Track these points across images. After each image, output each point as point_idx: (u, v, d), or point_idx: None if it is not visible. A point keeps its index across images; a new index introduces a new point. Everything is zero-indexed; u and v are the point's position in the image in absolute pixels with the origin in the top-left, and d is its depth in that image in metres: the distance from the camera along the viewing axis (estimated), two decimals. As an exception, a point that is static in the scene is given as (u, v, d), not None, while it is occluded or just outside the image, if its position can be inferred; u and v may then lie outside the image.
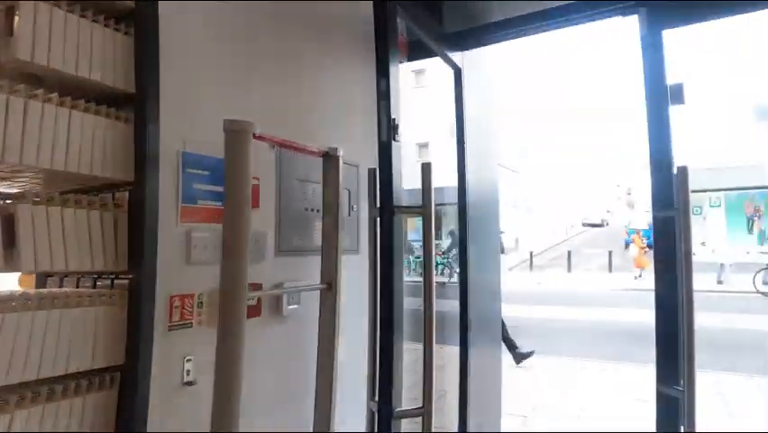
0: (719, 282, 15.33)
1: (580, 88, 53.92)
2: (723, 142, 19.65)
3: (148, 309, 1.33)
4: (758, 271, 14.60)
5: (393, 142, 2.08)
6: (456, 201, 2.99)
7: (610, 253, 21.31)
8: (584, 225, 43.06)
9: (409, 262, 17.09)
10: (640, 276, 16.85)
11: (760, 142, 19.21)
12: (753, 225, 19.85)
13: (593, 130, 54.67)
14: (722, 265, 15.45)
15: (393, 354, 1.96)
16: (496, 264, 3.46)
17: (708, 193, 20.69)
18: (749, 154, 19.11)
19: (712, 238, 20.48)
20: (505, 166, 30.78)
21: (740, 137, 19.64)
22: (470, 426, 2.74)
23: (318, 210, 1.92)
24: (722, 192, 20.23)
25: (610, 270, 20.29)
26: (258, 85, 1.79)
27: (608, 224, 44.64)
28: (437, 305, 1.88)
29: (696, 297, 1.83)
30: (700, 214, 22.07)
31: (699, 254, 20.69)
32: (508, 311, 4.90)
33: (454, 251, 16.26)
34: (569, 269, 21.60)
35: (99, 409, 1.27)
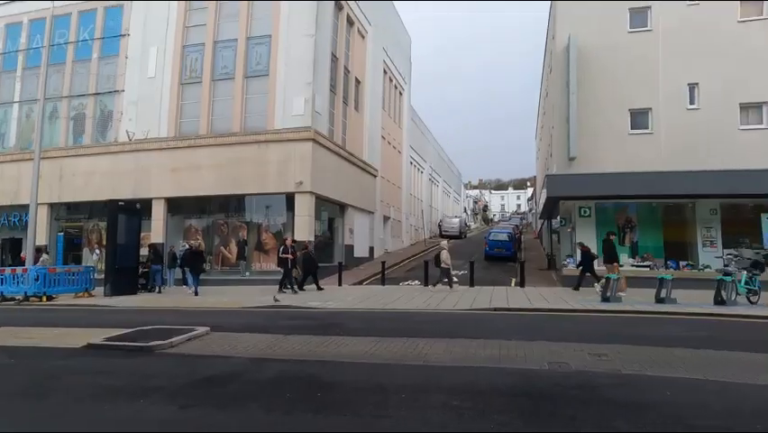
0: (605, 299, 12.39)
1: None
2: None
3: None
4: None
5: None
6: None
7: (472, 264, 18.13)
8: (443, 235, 41.30)
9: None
10: None
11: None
12: (625, 236, 18.10)
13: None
14: (607, 280, 12.54)
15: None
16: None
17: (576, 201, 18.57)
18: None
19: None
20: (367, 169, 27.05)
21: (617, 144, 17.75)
22: None
23: None
24: (592, 201, 18.19)
25: (471, 283, 16.99)
26: None
27: (465, 236, 43.43)
28: None
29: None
30: (566, 225, 20.12)
31: (569, 267, 18.53)
32: None
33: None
34: (426, 282, 17.93)
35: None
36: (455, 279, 16.78)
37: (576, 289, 15.28)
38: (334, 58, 23.48)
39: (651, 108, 17.64)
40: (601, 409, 4.47)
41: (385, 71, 32.72)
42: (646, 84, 17.62)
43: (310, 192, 19.66)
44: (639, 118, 17.78)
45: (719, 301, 11.72)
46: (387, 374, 5.91)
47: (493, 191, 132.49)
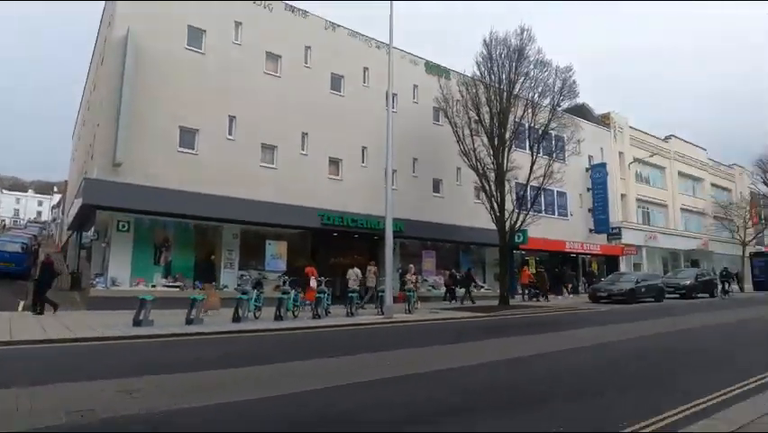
0: (136, 323, 11.35)
1: None
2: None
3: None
4: None
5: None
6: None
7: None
8: None
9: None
10: None
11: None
12: (161, 255, 17.48)
13: None
14: (143, 302, 11.56)
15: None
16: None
17: (115, 213, 16.75)
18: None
19: (115, 269, 16.58)
20: None
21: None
22: None
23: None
24: (132, 215, 16.86)
25: None
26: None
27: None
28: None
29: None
30: (100, 239, 17.84)
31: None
32: None
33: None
34: None
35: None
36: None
37: (39, 312, 13.31)
38: None
39: (199, 130, 17.97)
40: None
41: None
42: (197, 105, 17.84)
43: None
44: (188, 137, 17.76)
45: (236, 318, 12.93)
46: None
47: (6, 191, 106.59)
